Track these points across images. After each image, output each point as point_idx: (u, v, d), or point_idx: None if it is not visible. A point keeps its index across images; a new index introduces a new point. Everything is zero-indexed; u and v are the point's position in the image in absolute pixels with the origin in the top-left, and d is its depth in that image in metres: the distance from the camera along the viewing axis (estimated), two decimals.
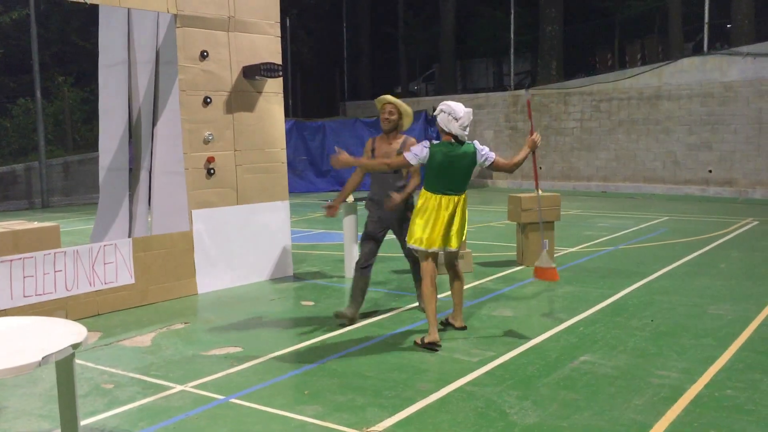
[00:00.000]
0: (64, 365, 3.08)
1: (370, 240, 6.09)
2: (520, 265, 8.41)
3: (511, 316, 6.15)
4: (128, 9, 7.93)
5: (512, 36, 20.98)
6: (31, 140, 18.62)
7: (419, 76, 28.91)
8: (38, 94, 16.99)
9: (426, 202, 5.39)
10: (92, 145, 20.01)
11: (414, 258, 5.99)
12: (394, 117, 6.00)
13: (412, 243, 5.46)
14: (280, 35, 8.13)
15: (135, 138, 8.51)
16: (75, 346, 2.97)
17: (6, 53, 18.67)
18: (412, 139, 5.97)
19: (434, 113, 5.50)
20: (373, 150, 6.12)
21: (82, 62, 20.48)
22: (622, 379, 4.61)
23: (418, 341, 5.39)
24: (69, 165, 18.62)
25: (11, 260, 5.86)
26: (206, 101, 7.39)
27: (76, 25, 20.22)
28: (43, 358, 2.78)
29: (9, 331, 3.20)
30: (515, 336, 5.60)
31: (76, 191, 18.51)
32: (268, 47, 7.95)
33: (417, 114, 21.51)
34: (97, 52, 8.74)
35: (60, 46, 19.86)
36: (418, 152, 5.38)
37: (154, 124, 8.20)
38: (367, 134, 21.52)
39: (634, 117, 18.19)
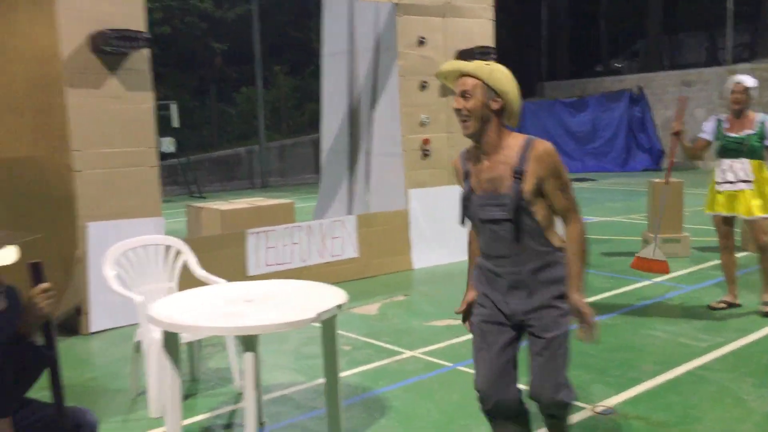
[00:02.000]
0: (329, 323, 3.49)
1: (491, 347, 2.90)
2: (744, 251, 7.92)
3: (737, 303, 5.86)
4: (351, 1, 8.48)
5: (731, 5, 19.41)
6: (252, 125, 20.37)
7: (622, 52, 27.67)
8: (259, 83, 18.55)
9: None
10: (303, 129, 21.51)
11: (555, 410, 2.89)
12: (473, 103, 2.73)
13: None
14: (493, 19, 8.27)
15: (354, 121, 9.10)
16: (340, 306, 3.36)
17: (230, 46, 20.53)
18: (544, 143, 2.75)
19: (752, 86, 5.39)
20: (467, 176, 2.88)
21: (295, 53, 22.02)
22: None
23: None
24: (284, 148, 20.17)
25: (257, 232, 6.59)
26: (423, 86, 7.74)
27: (291, 18, 21.72)
28: (317, 315, 3.19)
29: (284, 292, 3.68)
30: (745, 324, 5.35)
31: (290, 172, 20.01)
32: (481, 31, 8.12)
33: (618, 93, 20.68)
34: (310, 42, 9.42)
35: (276, 39, 21.46)
36: None
37: (372, 108, 8.71)
38: (567, 115, 21.06)
39: None
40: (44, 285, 2.49)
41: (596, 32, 26.78)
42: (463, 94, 2.76)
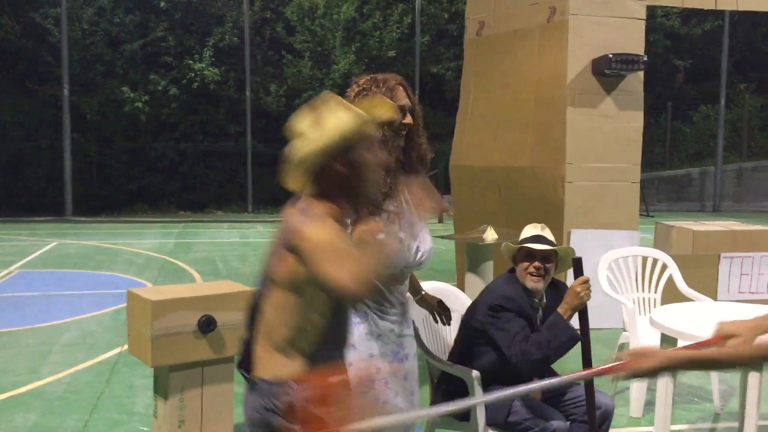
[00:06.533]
0: None
1: None
2: None
3: None
4: None
5: None
6: (707, 145, 19.39)
7: None
8: (722, 101, 17.59)
9: None
10: (766, 152, 19.68)
11: None
12: None
13: None
14: None
15: None
16: None
17: (693, 63, 19.85)
18: None
19: None
20: None
21: (765, 69, 20.23)
22: None
23: None
24: (742, 171, 18.75)
25: (732, 257, 6.40)
26: None
27: (763, 31, 20.04)
28: None
29: None
30: None
31: (746, 198, 18.51)
32: None
33: None
34: None
35: (744, 54, 20.02)
36: None
37: None
38: None
39: None
40: (583, 278, 2.93)
41: None
42: None
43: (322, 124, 1.91)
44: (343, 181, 1.93)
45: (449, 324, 3.06)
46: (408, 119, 2.59)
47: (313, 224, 1.81)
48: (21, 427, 4.03)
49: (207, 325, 3.42)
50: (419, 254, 2.48)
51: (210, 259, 10.20)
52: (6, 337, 5.94)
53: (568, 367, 3.67)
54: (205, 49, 18.00)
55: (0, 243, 12.08)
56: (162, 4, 18.26)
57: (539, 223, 3.26)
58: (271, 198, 17.95)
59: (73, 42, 17.10)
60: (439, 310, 2.99)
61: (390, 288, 2.53)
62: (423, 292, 2.99)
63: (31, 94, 17.97)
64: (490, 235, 5.05)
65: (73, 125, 16.86)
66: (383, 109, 2.02)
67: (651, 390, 4.42)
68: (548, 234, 3.14)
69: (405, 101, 2.59)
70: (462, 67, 7.53)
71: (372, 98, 2.00)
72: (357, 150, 1.93)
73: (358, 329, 2.50)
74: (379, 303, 2.51)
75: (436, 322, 3.04)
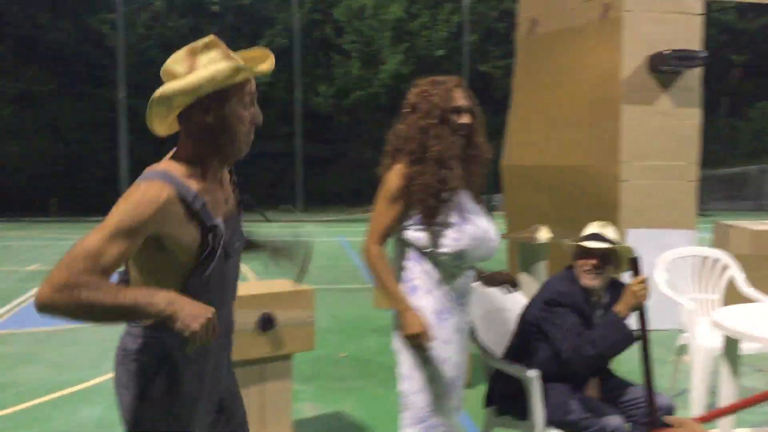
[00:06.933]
0: None
1: None
2: None
3: None
4: None
5: None
6: (765, 142, 18.86)
7: None
8: None
9: None
10: None
11: None
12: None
13: None
14: None
15: None
16: None
17: (750, 58, 19.30)
18: None
19: None
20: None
21: None
22: None
23: None
24: None
25: None
26: None
27: None
28: None
29: None
30: None
31: None
32: None
33: None
34: None
35: None
36: None
37: None
38: None
39: None
40: (641, 276, 2.89)
41: None
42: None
43: (196, 66, 1.76)
44: (209, 132, 1.80)
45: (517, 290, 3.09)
46: (466, 119, 2.63)
47: (132, 189, 1.67)
48: (87, 420, 4.17)
49: (267, 323, 3.48)
50: (492, 242, 2.65)
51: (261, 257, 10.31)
52: (70, 334, 6.16)
53: (625, 367, 3.63)
54: None
55: (61, 242, 12.46)
56: (215, 7, 18.59)
57: (600, 221, 3.24)
58: (320, 198, 18.12)
59: (128, 47, 17.53)
60: (509, 279, 3.02)
61: (470, 280, 2.67)
62: (486, 272, 3.01)
63: (87, 97, 18.49)
64: (544, 234, 5.02)
65: (129, 127, 17.28)
66: (262, 61, 1.85)
67: (713, 392, 4.33)
68: (609, 233, 3.11)
69: (463, 102, 2.63)
70: (511, 65, 7.50)
71: (253, 49, 1.83)
72: (228, 101, 1.80)
73: (448, 323, 2.58)
74: (462, 296, 2.64)
75: (509, 291, 3.04)
